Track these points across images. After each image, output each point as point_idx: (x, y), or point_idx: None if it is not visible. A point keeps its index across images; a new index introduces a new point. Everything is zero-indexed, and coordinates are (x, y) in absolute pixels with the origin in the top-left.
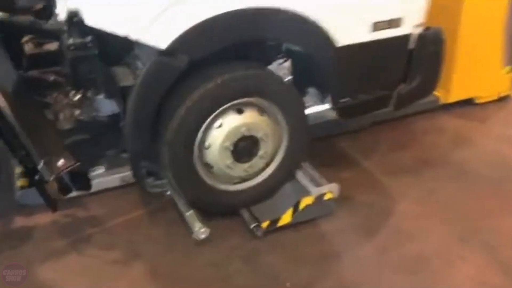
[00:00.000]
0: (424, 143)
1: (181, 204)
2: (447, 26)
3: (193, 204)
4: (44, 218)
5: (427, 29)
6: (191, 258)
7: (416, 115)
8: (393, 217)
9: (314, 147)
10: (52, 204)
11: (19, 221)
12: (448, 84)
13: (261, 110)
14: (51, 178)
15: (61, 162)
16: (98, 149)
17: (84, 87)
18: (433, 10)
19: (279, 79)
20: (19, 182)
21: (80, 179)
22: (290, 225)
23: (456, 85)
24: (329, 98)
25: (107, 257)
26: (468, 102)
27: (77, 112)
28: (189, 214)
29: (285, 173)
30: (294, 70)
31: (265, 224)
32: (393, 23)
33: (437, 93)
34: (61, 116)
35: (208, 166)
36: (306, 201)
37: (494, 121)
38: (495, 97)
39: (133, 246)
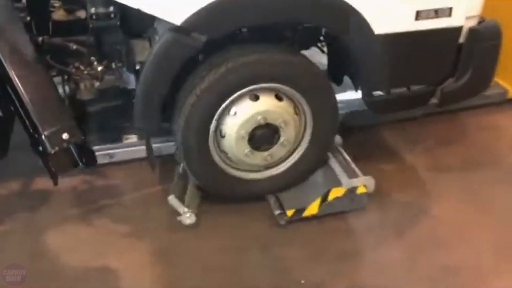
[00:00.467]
0: (477, 141)
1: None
2: None
3: (209, 189)
4: (64, 183)
5: (481, 21)
6: (205, 240)
7: (476, 109)
8: (428, 220)
9: (355, 135)
10: (53, 177)
11: (39, 183)
12: None
13: (280, 95)
14: (53, 151)
15: (65, 135)
16: (124, 120)
17: (108, 58)
18: None
19: (300, 63)
20: None
21: (87, 153)
22: (316, 217)
23: None
24: (361, 89)
25: (118, 230)
26: None
27: (97, 83)
28: (171, 198)
29: (311, 162)
30: (331, 56)
31: (290, 213)
32: (441, 13)
33: (506, 85)
34: (82, 86)
35: (225, 154)
36: (336, 193)
37: None
38: None
39: (145, 222)
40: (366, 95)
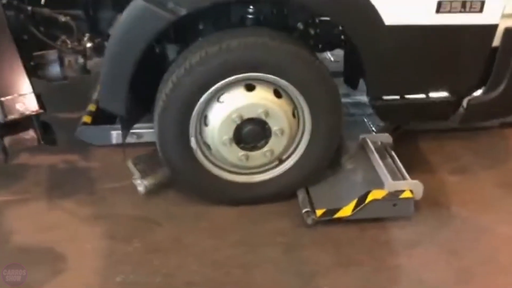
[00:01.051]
0: None
1: None
2: None
3: (184, 184)
4: (90, 159)
5: None
6: (222, 233)
7: None
8: (488, 240)
9: (417, 140)
10: (3, 151)
11: (73, 156)
12: None
13: (279, 90)
14: (6, 120)
15: (20, 105)
16: None
17: (100, 35)
18: None
19: (301, 55)
20: (84, 118)
21: (47, 131)
22: (352, 221)
23: None
24: (369, 90)
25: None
26: None
27: (81, 60)
28: (129, 162)
29: (311, 166)
30: (346, 60)
31: (319, 212)
32: (470, 6)
33: None
34: (66, 62)
35: (207, 147)
36: (374, 195)
37: None
38: None
39: (160, 212)
40: (374, 98)
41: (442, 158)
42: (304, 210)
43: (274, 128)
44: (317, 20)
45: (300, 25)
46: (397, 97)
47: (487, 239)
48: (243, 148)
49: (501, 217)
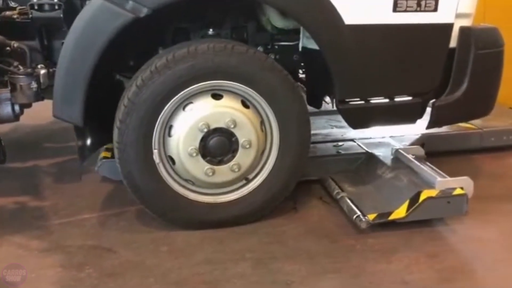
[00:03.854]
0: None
1: None
2: None
3: (144, 203)
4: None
5: (477, 26)
6: (186, 254)
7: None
8: (465, 244)
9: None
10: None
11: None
12: None
13: (246, 102)
14: None
15: None
16: None
17: (55, 65)
18: None
19: (268, 63)
20: (102, 153)
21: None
22: (323, 233)
23: None
24: (334, 94)
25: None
26: None
27: (34, 85)
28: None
29: (273, 193)
30: (308, 80)
31: (372, 216)
32: (424, 4)
33: None
34: (18, 87)
35: (171, 162)
36: (427, 194)
37: None
38: None
39: (114, 240)
40: (339, 101)
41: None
42: (355, 216)
43: (242, 140)
44: (276, 46)
45: (260, 49)
46: (362, 100)
47: (466, 243)
48: (209, 162)
49: (475, 223)
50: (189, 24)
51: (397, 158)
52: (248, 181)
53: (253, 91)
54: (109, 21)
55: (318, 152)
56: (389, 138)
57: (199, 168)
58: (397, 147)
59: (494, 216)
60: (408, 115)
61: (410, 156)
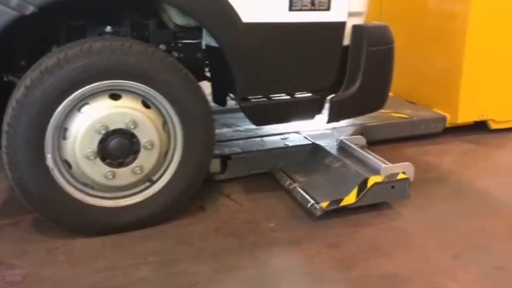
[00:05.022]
0: (422, 165)
1: None
2: (452, 31)
3: (39, 211)
4: None
5: (369, 24)
6: (85, 262)
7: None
8: (365, 232)
9: None
10: None
11: None
12: (456, 102)
13: (147, 102)
14: None
15: None
16: None
17: None
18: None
19: (168, 61)
20: None
21: None
22: (230, 231)
23: (464, 103)
24: (236, 91)
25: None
26: (484, 128)
27: None
28: None
29: (178, 193)
30: (212, 78)
31: (325, 204)
32: (318, 3)
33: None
34: None
35: (67, 166)
36: (374, 180)
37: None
38: None
39: (5, 252)
40: (241, 99)
41: None
42: (309, 205)
43: (143, 140)
44: (179, 43)
45: (162, 47)
46: (263, 97)
47: (365, 231)
48: (109, 165)
49: (374, 211)
50: (85, 21)
51: (342, 148)
52: (152, 182)
53: (154, 91)
54: None
55: (266, 145)
56: (331, 129)
57: (98, 171)
58: (341, 138)
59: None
60: (308, 111)
61: (354, 146)
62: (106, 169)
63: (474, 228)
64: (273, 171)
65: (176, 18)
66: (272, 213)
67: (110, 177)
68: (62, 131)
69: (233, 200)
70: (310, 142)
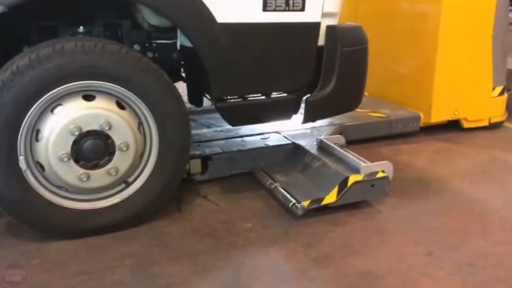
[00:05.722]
0: (397, 164)
1: None
2: (424, 32)
3: (12, 214)
4: None
5: (343, 25)
6: (59, 266)
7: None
8: (339, 230)
9: None
10: None
11: None
12: (429, 102)
13: (121, 103)
14: None
15: None
16: None
17: None
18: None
19: (143, 62)
20: None
21: None
22: (204, 232)
23: (437, 103)
24: (212, 92)
25: None
26: (456, 127)
27: None
28: None
29: (155, 195)
30: (187, 78)
31: (306, 203)
32: (292, 4)
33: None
34: None
35: (41, 168)
36: (354, 178)
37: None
38: (486, 123)
39: None
40: (216, 99)
41: None
42: (290, 204)
43: (118, 142)
44: (154, 44)
45: (136, 47)
46: (239, 98)
47: (340, 230)
48: (83, 166)
49: (350, 210)
50: (58, 21)
51: (322, 147)
52: (128, 184)
53: (128, 92)
54: None
55: (247, 145)
56: (311, 129)
57: (72, 173)
58: (321, 137)
59: (372, 203)
60: (284, 111)
61: (333, 145)
62: (80, 171)
63: (447, 225)
64: (254, 171)
65: (150, 18)
66: (249, 213)
67: (84, 179)
68: (34, 132)
69: (210, 201)
70: (290, 142)
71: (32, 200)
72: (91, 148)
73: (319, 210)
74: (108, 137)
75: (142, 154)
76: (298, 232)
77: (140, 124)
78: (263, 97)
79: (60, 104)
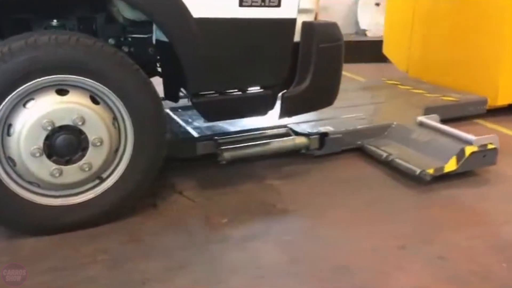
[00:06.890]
0: None
1: None
2: (491, 17)
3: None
4: None
5: (318, 21)
6: (31, 263)
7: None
8: (315, 225)
9: None
10: None
11: None
12: (496, 86)
13: (95, 98)
14: None
15: None
16: None
17: None
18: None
19: (118, 56)
20: None
21: None
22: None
23: (503, 87)
24: (188, 88)
25: None
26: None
27: None
28: None
29: (130, 190)
30: (163, 67)
31: (431, 171)
32: (269, 0)
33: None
34: None
35: (12, 163)
36: (471, 149)
37: None
38: None
39: None
40: (192, 94)
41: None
42: (418, 171)
43: (92, 137)
44: (129, 38)
45: (111, 41)
46: (216, 93)
47: (315, 226)
48: (55, 162)
49: (324, 207)
50: (31, 14)
51: (423, 125)
52: (102, 180)
53: (102, 86)
54: None
55: (345, 126)
56: None
57: (44, 169)
58: (420, 117)
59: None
60: (260, 106)
61: (437, 123)
62: (53, 166)
63: (420, 219)
64: (364, 147)
65: (125, 11)
66: (224, 209)
67: (57, 174)
68: (6, 127)
69: (186, 196)
70: (392, 122)
71: (3, 196)
72: (64, 143)
73: (296, 207)
74: (81, 132)
75: (116, 150)
76: (273, 228)
77: (114, 119)
78: (239, 92)
79: (33, 99)
